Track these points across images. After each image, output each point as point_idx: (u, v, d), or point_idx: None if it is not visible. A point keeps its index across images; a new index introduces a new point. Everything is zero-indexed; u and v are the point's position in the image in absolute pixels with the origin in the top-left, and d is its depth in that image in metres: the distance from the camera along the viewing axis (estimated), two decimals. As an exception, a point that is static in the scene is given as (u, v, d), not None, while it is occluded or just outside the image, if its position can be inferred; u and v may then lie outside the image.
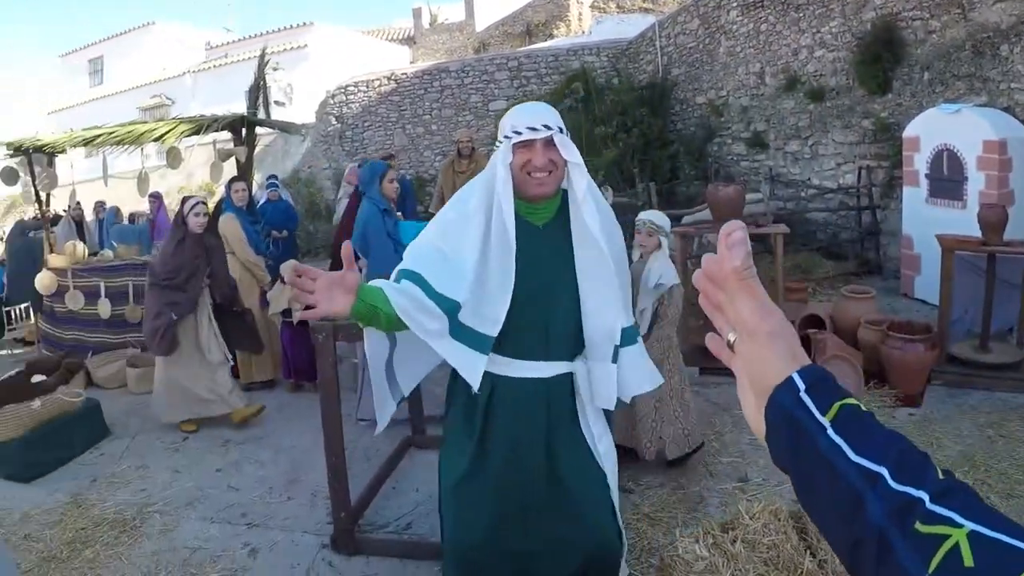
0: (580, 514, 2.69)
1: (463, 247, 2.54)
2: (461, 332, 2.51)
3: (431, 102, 18.38)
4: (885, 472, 0.73)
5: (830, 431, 0.78)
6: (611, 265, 2.60)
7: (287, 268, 3.25)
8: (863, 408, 0.80)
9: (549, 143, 2.51)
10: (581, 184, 2.54)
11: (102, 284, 8.62)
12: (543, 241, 2.65)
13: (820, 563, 2.62)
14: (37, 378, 6.64)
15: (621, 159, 14.08)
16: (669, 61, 15.47)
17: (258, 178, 12.28)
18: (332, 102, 19.40)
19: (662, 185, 13.09)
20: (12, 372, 7.17)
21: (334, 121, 19.27)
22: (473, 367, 2.53)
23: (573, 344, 2.74)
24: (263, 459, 5.79)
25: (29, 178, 9.66)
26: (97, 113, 24.98)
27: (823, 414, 0.79)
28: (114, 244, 9.88)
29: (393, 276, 2.51)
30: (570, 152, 2.52)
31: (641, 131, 14.50)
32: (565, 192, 2.67)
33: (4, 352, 10.75)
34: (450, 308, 2.46)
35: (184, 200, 6.37)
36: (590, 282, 2.65)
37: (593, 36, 20.80)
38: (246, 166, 9.38)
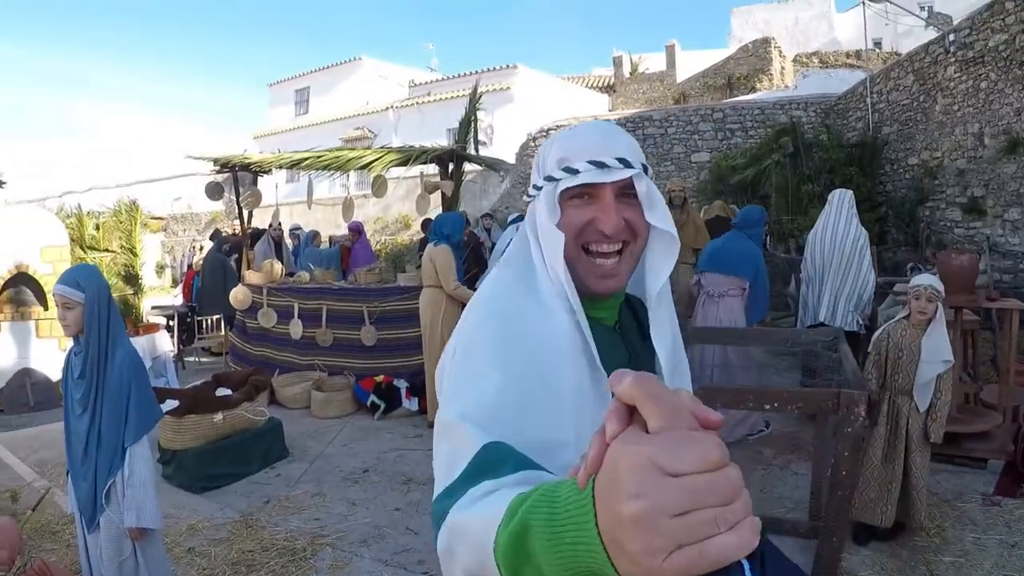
0: None
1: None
2: None
3: (633, 151, 18.14)
4: None
5: None
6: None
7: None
8: None
9: (626, 191, 1.40)
10: (663, 271, 1.48)
11: (296, 305, 8.75)
12: (615, 348, 1.50)
13: None
14: (223, 391, 6.71)
15: (828, 218, 13.40)
16: (880, 119, 14.71)
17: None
18: (533, 144, 19.46)
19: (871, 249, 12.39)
20: (199, 382, 7.28)
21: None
22: None
23: None
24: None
25: (233, 195, 9.98)
26: (300, 140, 26.13)
27: None
28: (311, 266, 10.04)
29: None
30: (657, 212, 1.39)
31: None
32: None
33: (192, 359, 11.09)
34: None
35: None
36: None
37: (799, 90, 20.14)
38: (452, 200, 9.35)
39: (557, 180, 1.39)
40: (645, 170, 1.39)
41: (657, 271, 1.48)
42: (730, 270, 6.44)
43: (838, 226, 6.53)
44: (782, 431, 6.63)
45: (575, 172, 1.36)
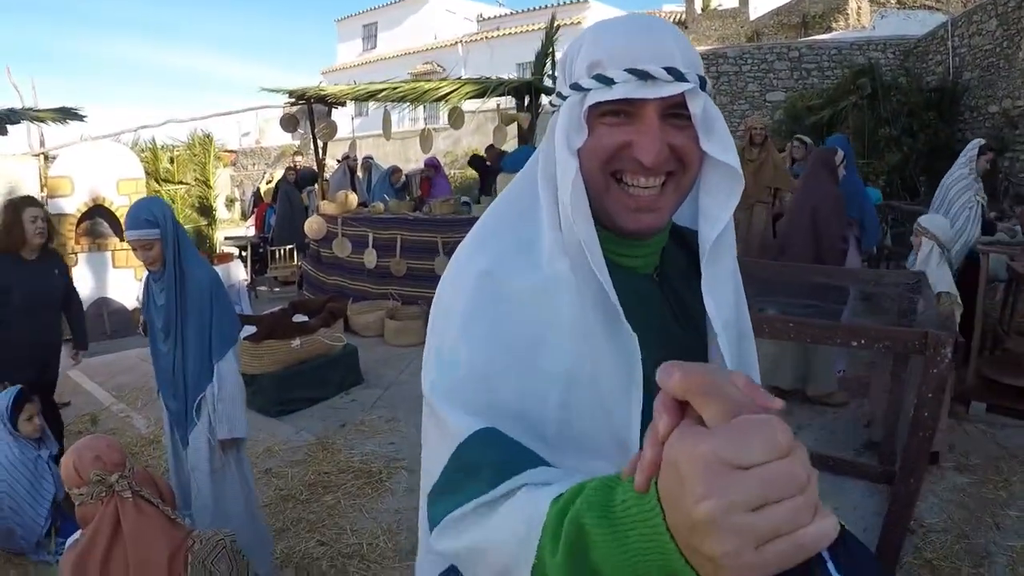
0: None
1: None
2: None
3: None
4: None
5: None
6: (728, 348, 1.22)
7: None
8: None
9: (676, 111, 1.08)
10: (724, 215, 1.17)
11: (370, 235, 8.81)
12: (651, 303, 1.24)
13: None
14: (299, 318, 6.80)
15: (904, 165, 13.08)
16: (961, 63, 14.19)
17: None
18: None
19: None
20: (276, 309, 7.37)
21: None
22: None
23: None
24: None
25: (308, 128, 10.02)
26: (369, 76, 26.06)
27: None
28: (385, 197, 10.08)
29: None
30: (716, 140, 1.10)
31: (927, 137, 13.42)
32: None
33: (264, 288, 11.27)
34: None
35: None
36: None
37: (878, 31, 19.51)
38: (528, 132, 9.29)
39: (586, 91, 1.08)
40: (702, 84, 1.08)
41: (714, 215, 1.17)
42: None
43: (952, 170, 6.42)
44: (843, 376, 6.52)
45: (610, 82, 1.05)
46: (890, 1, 25.65)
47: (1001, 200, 11.39)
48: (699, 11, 31.80)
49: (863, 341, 3.54)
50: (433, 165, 11.66)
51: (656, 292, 1.26)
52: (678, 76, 1.03)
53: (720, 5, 32.09)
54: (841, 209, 5.88)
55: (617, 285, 1.09)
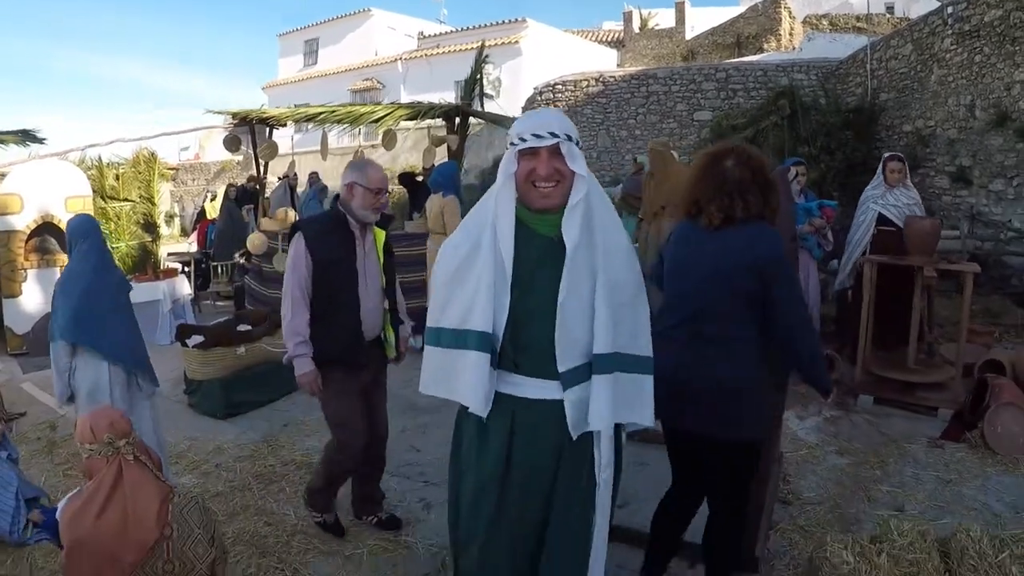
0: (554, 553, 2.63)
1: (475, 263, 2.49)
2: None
3: (637, 107, 18.44)
4: None
5: None
6: (589, 284, 2.44)
7: None
8: None
9: (556, 152, 2.42)
10: (575, 196, 2.42)
11: (310, 250, 9.13)
12: (553, 254, 2.46)
13: (958, 588, 2.68)
14: (243, 327, 7.26)
15: (822, 181, 13.77)
16: (879, 85, 14.96)
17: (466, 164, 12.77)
18: (539, 99, 19.71)
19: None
20: (222, 319, 7.84)
21: (540, 117, 19.42)
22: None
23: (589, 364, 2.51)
24: (451, 426, 6.08)
25: (250, 147, 10.47)
26: (310, 91, 26.50)
27: None
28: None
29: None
30: (577, 163, 2.42)
31: (845, 154, 14.15)
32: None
33: (207, 303, 11.65)
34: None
35: None
36: (568, 300, 2.43)
37: (804, 53, 20.35)
38: (457, 153, 9.90)
39: (515, 145, 2.45)
40: (569, 139, 2.42)
41: (580, 192, 2.43)
42: None
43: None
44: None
45: (524, 140, 2.43)
46: (823, 23, 26.52)
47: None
48: (637, 30, 32.58)
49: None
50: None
51: (553, 246, 2.47)
52: (555, 135, 2.40)
53: (657, 25, 32.89)
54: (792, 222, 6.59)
55: (530, 241, 2.47)
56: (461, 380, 2.50)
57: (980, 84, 11.33)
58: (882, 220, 7.16)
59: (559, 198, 2.45)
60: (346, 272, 4.01)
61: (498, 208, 2.46)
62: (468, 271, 2.50)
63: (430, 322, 2.65)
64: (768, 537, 4.23)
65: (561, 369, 2.45)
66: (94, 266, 4.53)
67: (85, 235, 4.55)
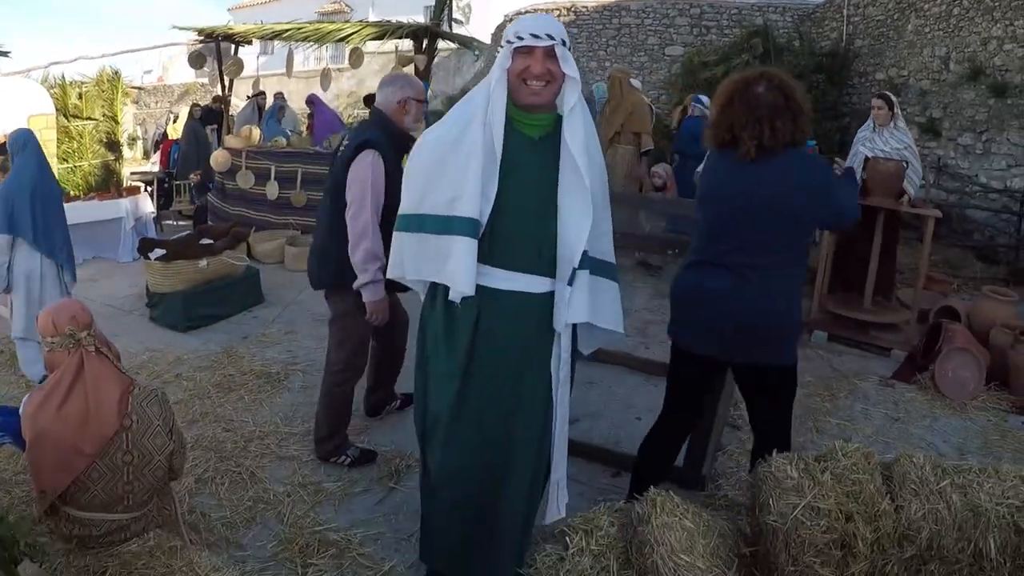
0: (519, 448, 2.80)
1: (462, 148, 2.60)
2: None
3: (608, 39, 18.22)
4: None
5: None
6: (585, 184, 2.58)
7: None
8: None
9: (550, 54, 2.52)
10: (571, 99, 2.56)
11: (273, 167, 9.24)
12: (536, 153, 2.65)
13: (897, 508, 2.78)
14: (206, 241, 7.24)
15: (789, 123, 13.76)
16: (854, 31, 14.89)
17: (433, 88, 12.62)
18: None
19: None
20: (184, 234, 7.83)
21: (509, 45, 19.19)
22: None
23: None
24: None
25: (215, 65, 10.35)
26: (276, 12, 25.93)
27: None
28: (288, 132, 10.48)
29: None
30: (569, 66, 2.54)
31: (815, 98, 13.97)
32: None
33: (169, 222, 11.60)
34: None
35: None
36: (567, 199, 2.63)
37: (781, -7, 20.26)
38: (424, 74, 9.81)
39: (511, 43, 2.55)
40: (563, 43, 2.53)
41: (571, 101, 2.57)
42: None
43: None
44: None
45: (521, 39, 2.52)
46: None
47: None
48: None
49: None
50: (311, 101, 11.67)
51: (534, 146, 2.65)
52: (551, 38, 2.50)
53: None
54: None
55: (517, 141, 2.61)
56: (450, 264, 2.61)
57: (956, 37, 11.34)
58: None
59: (548, 97, 2.59)
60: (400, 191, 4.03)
61: (492, 102, 2.57)
62: (453, 160, 2.60)
63: (406, 209, 2.79)
64: (715, 458, 4.36)
65: (561, 265, 2.65)
66: (32, 173, 5.11)
67: (23, 145, 5.16)
